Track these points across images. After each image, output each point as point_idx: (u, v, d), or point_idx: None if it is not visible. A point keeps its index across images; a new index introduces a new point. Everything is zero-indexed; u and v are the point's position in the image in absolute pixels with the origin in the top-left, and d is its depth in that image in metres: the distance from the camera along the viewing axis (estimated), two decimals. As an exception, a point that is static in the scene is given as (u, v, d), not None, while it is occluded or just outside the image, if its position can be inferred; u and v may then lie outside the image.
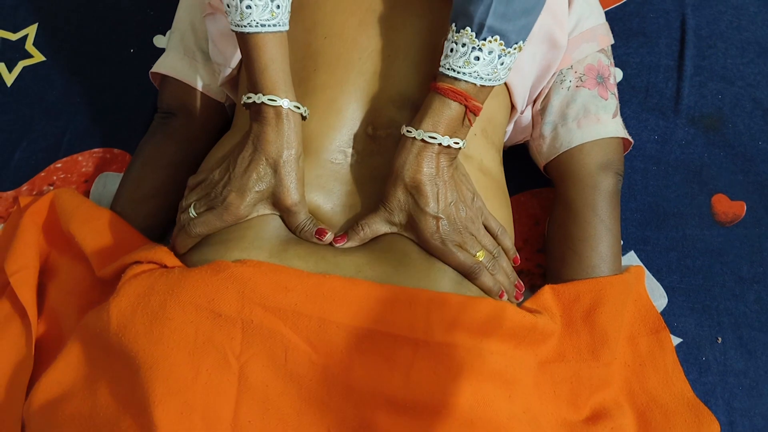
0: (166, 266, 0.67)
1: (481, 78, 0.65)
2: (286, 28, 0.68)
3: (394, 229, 0.68)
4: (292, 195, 0.66)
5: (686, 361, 0.80)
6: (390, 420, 0.59)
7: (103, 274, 0.73)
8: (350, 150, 0.71)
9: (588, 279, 0.77)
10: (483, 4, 0.63)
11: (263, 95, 0.66)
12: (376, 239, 0.68)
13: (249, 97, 0.67)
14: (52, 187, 0.95)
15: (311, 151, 0.70)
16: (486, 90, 0.67)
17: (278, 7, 0.66)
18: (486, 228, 0.71)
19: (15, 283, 0.75)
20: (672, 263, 0.87)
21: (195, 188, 0.72)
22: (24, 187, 0.95)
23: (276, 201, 0.67)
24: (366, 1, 0.74)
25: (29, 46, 1.05)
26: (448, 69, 0.65)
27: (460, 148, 0.67)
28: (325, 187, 0.70)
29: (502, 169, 0.78)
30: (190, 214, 0.69)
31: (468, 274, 0.67)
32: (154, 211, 0.85)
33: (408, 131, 0.66)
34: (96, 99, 1.01)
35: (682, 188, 0.90)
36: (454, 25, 0.66)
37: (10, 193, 0.95)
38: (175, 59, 0.87)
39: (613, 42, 0.86)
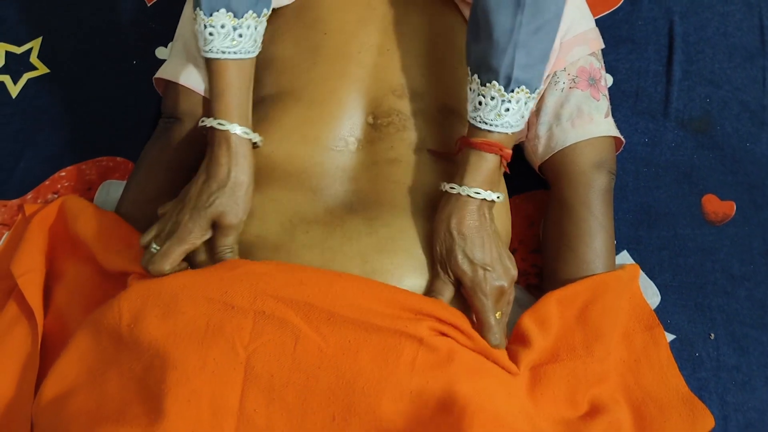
0: None
1: (512, 126, 0.68)
2: (251, 55, 0.70)
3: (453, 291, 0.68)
4: (233, 217, 0.67)
5: (680, 357, 0.81)
6: (395, 407, 0.60)
7: (108, 264, 0.74)
8: (351, 138, 0.73)
9: (584, 278, 0.78)
10: (506, 57, 0.65)
11: (214, 119, 0.68)
12: (385, 224, 0.69)
13: (203, 121, 0.70)
14: (56, 196, 0.97)
15: (311, 139, 0.72)
16: (514, 136, 0.69)
17: (240, 36, 0.68)
18: None
19: (22, 285, 0.76)
20: (664, 262, 0.88)
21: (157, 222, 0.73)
22: (29, 196, 0.97)
23: (219, 221, 0.68)
24: None
25: (34, 58, 1.07)
26: (480, 122, 0.67)
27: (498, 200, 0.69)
28: (327, 173, 0.72)
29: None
30: (152, 250, 0.69)
31: (481, 328, 0.69)
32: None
33: (451, 188, 0.68)
34: (99, 109, 1.03)
35: (673, 189, 0.92)
36: (476, 77, 0.67)
37: (15, 202, 0.96)
38: (179, 65, 0.89)
39: (603, 46, 0.88)
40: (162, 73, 0.90)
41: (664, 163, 0.94)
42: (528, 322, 0.73)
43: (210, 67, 0.70)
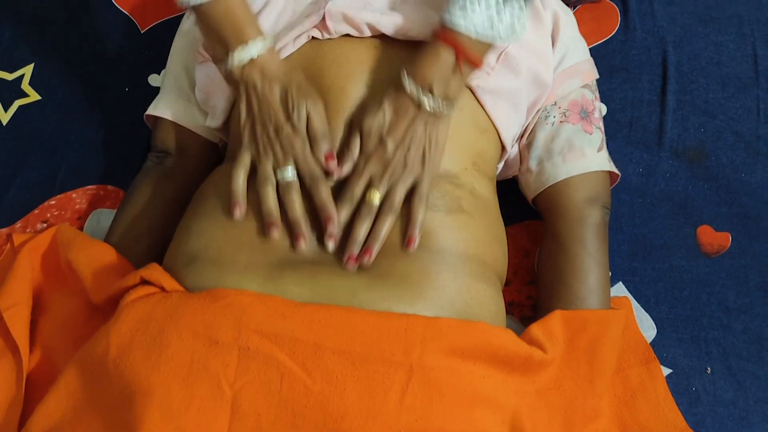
0: (164, 288, 0.68)
1: (475, 26, 0.68)
2: None
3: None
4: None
5: (676, 391, 0.80)
6: None
7: (98, 298, 0.73)
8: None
9: (595, 310, 0.78)
10: None
11: (233, 60, 0.71)
12: (375, 265, 0.68)
13: (227, 65, 0.72)
14: (45, 224, 0.96)
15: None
16: (484, 45, 0.70)
17: None
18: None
19: (8, 319, 0.75)
20: (660, 294, 0.88)
21: (259, 149, 0.73)
22: (17, 225, 0.96)
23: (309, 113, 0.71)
24: (353, 53, 0.77)
25: (25, 85, 1.07)
26: (445, 13, 0.69)
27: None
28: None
29: (495, 195, 0.80)
30: (287, 177, 0.70)
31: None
32: (147, 248, 0.85)
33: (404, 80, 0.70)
34: (90, 137, 1.02)
35: (668, 220, 0.92)
36: None
37: (4, 231, 0.95)
38: (170, 101, 0.89)
39: (597, 77, 0.88)
40: (153, 110, 0.89)
41: (658, 193, 0.93)
42: (537, 332, 0.72)
43: (200, 12, 0.72)
